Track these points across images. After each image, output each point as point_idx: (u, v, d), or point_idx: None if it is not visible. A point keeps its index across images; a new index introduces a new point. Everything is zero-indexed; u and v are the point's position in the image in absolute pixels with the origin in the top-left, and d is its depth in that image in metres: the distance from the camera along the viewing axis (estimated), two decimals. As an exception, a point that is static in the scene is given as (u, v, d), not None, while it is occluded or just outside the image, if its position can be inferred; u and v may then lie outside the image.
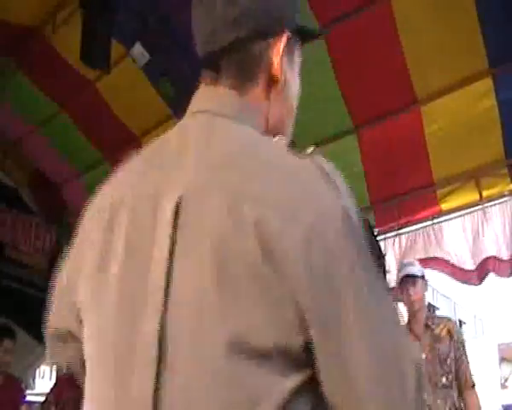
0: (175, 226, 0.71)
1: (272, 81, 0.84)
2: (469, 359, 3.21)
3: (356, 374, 0.67)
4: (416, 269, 3.38)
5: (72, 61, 4.37)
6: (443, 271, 4.33)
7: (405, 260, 3.83)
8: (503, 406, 13.57)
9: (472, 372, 3.18)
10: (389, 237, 4.52)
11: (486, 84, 3.77)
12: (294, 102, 0.92)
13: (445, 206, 4.36)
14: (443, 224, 4.38)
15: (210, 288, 0.66)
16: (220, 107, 0.81)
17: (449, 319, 3.39)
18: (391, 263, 4.26)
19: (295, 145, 0.87)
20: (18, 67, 4.88)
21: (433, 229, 4.38)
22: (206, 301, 0.67)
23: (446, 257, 4.30)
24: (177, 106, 4.75)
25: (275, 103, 0.86)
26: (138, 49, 3.99)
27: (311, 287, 0.66)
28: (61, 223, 6.41)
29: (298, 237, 0.67)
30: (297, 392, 0.67)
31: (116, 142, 5.33)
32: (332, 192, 0.73)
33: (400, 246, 4.48)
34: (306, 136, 4.57)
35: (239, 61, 0.82)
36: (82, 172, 5.85)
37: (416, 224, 4.54)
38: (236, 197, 0.69)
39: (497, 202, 4.14)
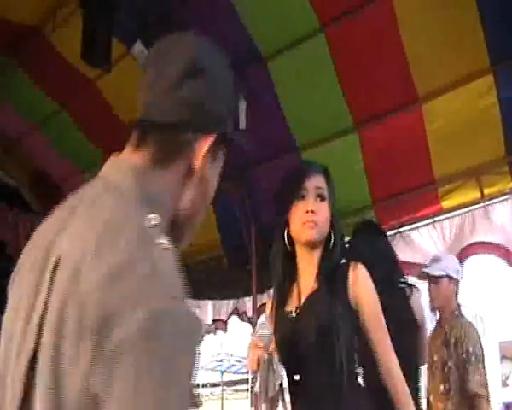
0: (51, 283, 0.76)
1: (190, 171, 0.90)
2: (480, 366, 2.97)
3: None
4: (437, 267, 3.21)
5: (73, 59, 4.37)
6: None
7: (434, 255, 3.57)
8: (504, 403, 13.56)
9: (479, 381, 2.93)
10: (390, 236, 4.52)
11: (487, 81, 3.77)
12: (208, 200, 0.96)
13: (445, 204, 4.36)
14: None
15: (66, 338, 0.72)
16: (122, 179, 0.85)
17: (464, 325, 3.10)
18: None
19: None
20: (18, 66, 4.88)
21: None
22: (62, 349, 0.72)
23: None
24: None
25: (189, 192, 0.91)
26: (139, 48, 3.98)
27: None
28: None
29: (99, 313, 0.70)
30: None
31: (116, 140, 5.32)
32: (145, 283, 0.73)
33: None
34: (308, 134, 4.59)
35: (165, 142, 0.88)
36: (82, 171, 5.86)
37: (416, 222, 4.53)
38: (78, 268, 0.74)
39: (498, 199, 4.13)
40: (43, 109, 5.23)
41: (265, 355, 1.70)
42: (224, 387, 18.14)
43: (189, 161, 0.89)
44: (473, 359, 2.94)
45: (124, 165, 0.88)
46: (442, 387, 2.99)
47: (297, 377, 1.72)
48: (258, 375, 1.74)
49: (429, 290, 3.21)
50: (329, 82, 4.15)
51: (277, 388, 1.72)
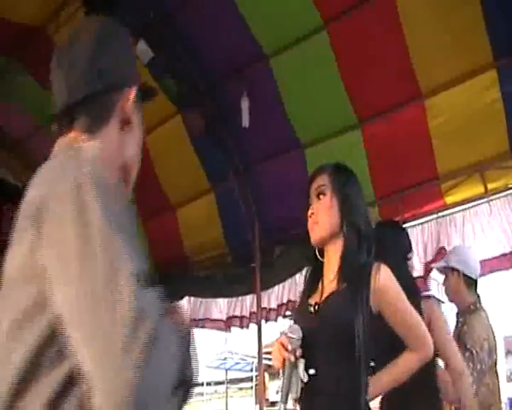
0: None
1: (124, 124, 1.07)
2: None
3: (62, 310, 0.81)
4: (444, 260, 3.26)
5: (76, 59, 4.38)
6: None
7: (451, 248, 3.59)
8: (509, 399, 13.53)
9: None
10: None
11: (491, 76, 3.76)
12: (139, 143, 1.13)
13: (449, 199, 4.35)
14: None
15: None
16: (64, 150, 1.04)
17: (475, 311, 3.11)
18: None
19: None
20: (22, 66, 4.90)
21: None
22: None
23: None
24: (182, 102, 4.76)
25: (128, 140, 1.09)
26: (142, 47, 4.00)
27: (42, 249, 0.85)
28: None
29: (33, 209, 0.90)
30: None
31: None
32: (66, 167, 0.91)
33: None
34: (311, 131, 4.59)
35: (93, 109, 1.05)
36: (86, 170, 5.87)
37: (420, 218, 4.53)
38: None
39: (502, 194, 4.13)
40: (46, 109, 5.23)
41: (292, 358, 1.71)
42: (229, 385, 18.17)
43: (122, 116, 1.07)
44: (466, 354, 2.91)
45: (63, 143, 1.06)
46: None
47: (312, 371, 1.73)
48: (281, 376, 1.74)
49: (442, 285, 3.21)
50: (332, 79, 4.16)
51: (299, 392, 1.73)
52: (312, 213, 1.86)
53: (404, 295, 1.82)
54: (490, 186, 4.11)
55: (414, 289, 2.52)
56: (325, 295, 1.84)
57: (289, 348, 1.70)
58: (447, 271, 3.19)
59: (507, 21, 3.51)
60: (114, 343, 0.76)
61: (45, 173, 0.97)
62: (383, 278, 1.79)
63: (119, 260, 0.81)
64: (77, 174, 0.87)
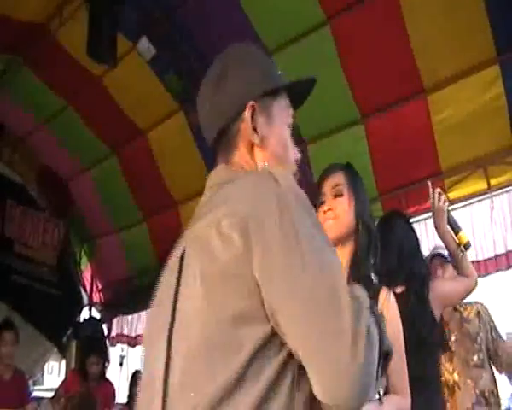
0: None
1: (253, 145, 1.11)
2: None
3: (282, 321, 0.87)
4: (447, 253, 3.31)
5: (79, 56, 4.38)
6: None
7: (439, 244, 3.66)
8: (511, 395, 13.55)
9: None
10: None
11: (494, 72, 3.75)
12: (281, 145, 1.16)
13: (452, 195, 4.34)
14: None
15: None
16: (217, 180, 1.12)
17: (476, 302, 3.33)
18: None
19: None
20: (25, 64, 4.90)
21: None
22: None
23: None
24: (184, 99, 4.76)
25: (261, 154, 1.12)
26: (144, 44, 4.00)
27: (257, 259, 0.88)
28: (69, 218, 6.45)
29: (237, 227, 0.90)
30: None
31: (123, 136, 5.34)
32: (269, 185, 0.95)
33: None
34: (314, 127, 4.59)
35: (225, 142, 1.13)
36: (89, 167, 5.88)
37: (423, 213, 4.52)
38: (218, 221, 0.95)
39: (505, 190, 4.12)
40: (49, 106, 5.25)
41: None
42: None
43: (248, 139, 1.11)
44: (498, 331, 3.17)
45: (219, 172, 1.14)
46: (476, 357, 3.06)
47: None
48: None
49: (435, 275, 3.19)
50: (335, 74, 4.15)
51: None
52: (329, 210, 1.83)
53: (402, 336, 1.82)
54: (493, 182, 4.10)
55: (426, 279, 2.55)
56: None
57: None
58: (443, 262, 3.21)
59: (510, 16, 3.50)
60: (343, 339, 0.82)
61: (232, 195, 0.99)
62: (391, 305, 1.81)
63: (330, 261, 0.91)
64: (277, 191, 0.93)
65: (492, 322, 3.26)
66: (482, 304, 3.34)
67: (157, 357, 0.95)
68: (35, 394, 5.87)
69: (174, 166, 5.31)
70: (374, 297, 1.79)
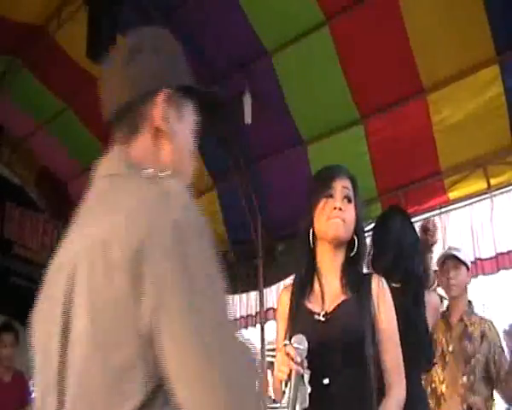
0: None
1: (158, 131, 1.01)
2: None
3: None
4: (461, 254, 3.21)
5: (78, 57, 4.37)
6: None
7: (452, 246, 3.58)
8: (511, 394, 13.54)
9: None
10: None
11: (493, 71, 3.75)
12: (186, 150, 1.07)
13: (452, 195, 4.35)
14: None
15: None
16: (110, 169, 1.01)
17: (485, 319, 3.16)
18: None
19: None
20: (24, 65, 4.89)
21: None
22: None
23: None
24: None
25: (164, 147, 1.02)
26: (144, 44, 3.99)
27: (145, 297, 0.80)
28: (68, 219, 6.44)
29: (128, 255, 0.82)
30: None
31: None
32: (162, 209, 0.85)
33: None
34: (313, 127, 4.59)
35: (126, 121, 1.02)
36: (88, 168, 5.85)
37: (423, 213, 4.52)
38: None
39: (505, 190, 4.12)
40: (48, 107, 5.24)
41: (300, 370, 1.70)
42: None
43: (154, 124, 1.00)
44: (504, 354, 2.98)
45: (111, 159, 1.03)
46: (465, 379, 2.97)
47: (326, 381, 1.74)
48: (287, 389, 1.73)
49: (448, 277, 3.13)
50: (334, 74, 4.15)
51: (306, 404, 1.72)
52: (340, 209, 1.84)
53: (394, 316, 1.83)
54: (493, 181, 4.10)
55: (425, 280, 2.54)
56: (332, 304, 1.84)
57: (298, 359, 1.69)
58: (459, 263, 3.16)
59: (509, 16, 3.50)
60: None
61: (103, 209, 0.92)
62: (383, 289, 1.83)
63: (223, 306, 0.86)
64: (176, 217, 0.84)
65: (500, 345, 3.06)
66: (491, 322, 3.16)
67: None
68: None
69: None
70: (367, 286, 1.82)
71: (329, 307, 1.82)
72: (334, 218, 1.82)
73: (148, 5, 4.17)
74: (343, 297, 1.82)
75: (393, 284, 2.32)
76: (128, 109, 1.01)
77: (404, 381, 1.79)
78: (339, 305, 1.82)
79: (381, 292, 1.81)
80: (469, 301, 3.18)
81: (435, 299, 2.60)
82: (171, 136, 1.02)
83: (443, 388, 3.05)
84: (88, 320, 0.83)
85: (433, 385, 3.09)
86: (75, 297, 0.86)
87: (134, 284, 0.80)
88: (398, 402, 1.77)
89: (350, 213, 1.85)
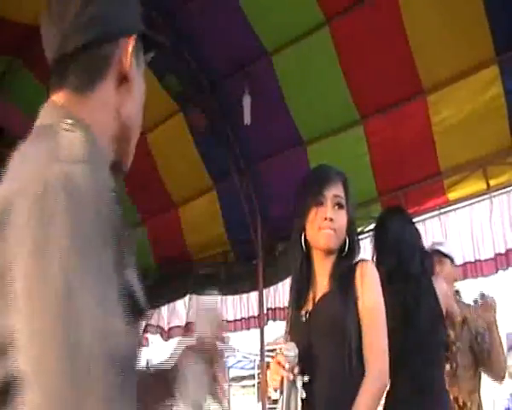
0: None
1: (122, 79, 0.91)
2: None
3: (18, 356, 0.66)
4: (445, 248, 3.21)
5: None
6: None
7: (435, 241, 3.59)
8: (511, 395, 13.53)
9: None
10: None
11: (493, 72, 3.76)
12: (141, 101, 0.98)
13: (452, 195, 4.35)
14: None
15: None
16: (45, 118, 0.89)
17: (468, 305, 3.19)
18: None
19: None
20: (24, 66, 4.90)
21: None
22: None
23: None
24: (184, 100, 4.76)
25: (126, 98, 0.92)
26: (144, 44, 4.00)
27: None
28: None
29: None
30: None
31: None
32: (43, 162, 0.74)
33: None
34: (313, 128, 4.59)
35: (88, 62, 0.89)
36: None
37: (423, 214, 4.53)
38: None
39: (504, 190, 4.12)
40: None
41: (290, 376, 1.71)
42: (231, 383, 18.15)
43: (119, 70, 0.91)
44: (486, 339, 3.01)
45: (50, 107, 0.91)
46: (448, 366, 2.99)
47: (306, 379, 1.74)
48: (280, 396, 1.74)
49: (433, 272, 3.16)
50: (334, 75, 4.15)
51: (299, 408, 1.73)
52: (331, 220, 1.85)
53: (378, 297, 1.83)
54: (492, 182, 4.11)
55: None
56: (316, 301, 1.85)
57: (286, 366, 1.69)
58: (441, 258, 3.15)
59: (509, 16, 3.51)
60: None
61: (18, 161, 0.81)
62: (366, 271, 1.83)
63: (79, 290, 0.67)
64: (48, 175, 0.71)
65: (482, 326, 3.09)
66: (472, 307, 3.18)
67: None
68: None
69: (173, 167, 5.31)
70: (352, 273, 1.82)
71: (313, 306, 1.84)
72: (325, 228, 1.83)
73: (147, 5, 4.18)
74: (325, 291, 1.83)
75: (394, 285, 2.34)
76: (87, 52, 0.89)
77: (385, 359, 1.77)
78: (318, 300, 1.83)
79: (363, 276, 1.81)
80: (456, 291, 3.20)
81: (441, 285, 2.60)
82: (132, 86, 0.94)
83: (464, 395, 3.05)
84: None
85: (452, 396, 3.08)
86: None
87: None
88: (374, 381, 1.74)
89: (342, 219, 1.86)
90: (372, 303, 1.80)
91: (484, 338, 3.03)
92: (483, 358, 3.04)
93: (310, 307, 1.85)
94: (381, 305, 1.81)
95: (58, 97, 0.90)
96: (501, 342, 3.09)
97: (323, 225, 1.83)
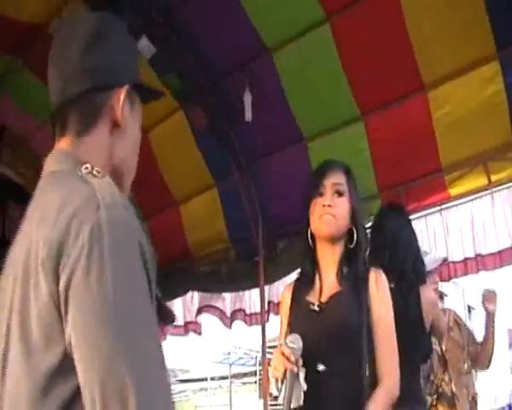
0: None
1: (115, 125, 1.01)
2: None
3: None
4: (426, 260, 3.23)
5: (78, 56, 4.37)
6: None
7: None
8: (512, 390, 13.55)
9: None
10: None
11: (494, 67, 3.75)
12: (136, 145, 1.08)
13: (453, 191, 4.35)
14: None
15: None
16: (55, 165, 0.99)
17: (449, 309, 3.37)
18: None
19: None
20: (25, 65, 4.89)
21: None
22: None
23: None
24: (185, 98, 4.76)
25: (118, 143, 1.01)
26: (144, 43, 3.99)
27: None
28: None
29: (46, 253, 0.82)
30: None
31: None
32: (86, 208, 0.83)
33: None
34: (314, 125, 4.59)
35: (80, 113, 0.99)
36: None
37: (424, 210, 4.53)
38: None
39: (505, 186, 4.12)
40: (49, 107, 5.22)
41: (295, 369, 1.72)
42: (233, 379, 18.18)
43: (111, 117, 1.00)
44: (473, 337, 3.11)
45: (59, 154, 1.02)
46: (466, 365, 3.05)
47: (321, 368, 1.75)
48: (283, 387, 1.75)
49: None
50: (335, 72, 4.15)
51: (301, 401, 1.74)
52: (329, 206, 1.86)
53: (391, 309, 1.84)
54: (493, 178, 4.11)
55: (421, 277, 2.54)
56: (328, 295, 1.86)
57: (292, 358, 1.70)
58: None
59: (509, 12, 3.50)
60: None
61: (48, 206, 0.89)
62: (381, 283, 1.84)
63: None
64: (95, 219, 0.82)
65: (467, 326, 3.26)
66: (454, 311, 3.39)
67: None
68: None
69: (174, 164, 5.31)
70: (364, 278, 1.84)
71: (325, 298, 1.85)
72: (324, 215, 1.85)
73: (147, 4, 4.17)
74: (338, 288, 1.85)
75: (389, 284, 2.34)
76: (84, 99, 0.99)
77: (398, 372, 1.80)
78: (333, 296, 1.84)
79: (377, 284, 1.84)
80: (441, 295, 3.26)
81: (429, 294, 2.61)
82: (125, 131, 1.02)
83: (453, 388, 3.07)
84: (18, 325, 0.83)
85: (441, 390, 3.10)
86: (15, 302, 0.86)
87: (56, 285, 0.79)
88: (388, 392, 1.77)
89: (341, 207, 1.88)
90: (387, 317, 1.83)
91: (469, 338, 3.13)
92: (474, 353, 3.11)
93: (318, 298, 1.86)
94: (393, 318, 1.86)
95: (63, 144, 1.01)
96: (494, 333, 3.18)
97: (322, 212, 1.86)
